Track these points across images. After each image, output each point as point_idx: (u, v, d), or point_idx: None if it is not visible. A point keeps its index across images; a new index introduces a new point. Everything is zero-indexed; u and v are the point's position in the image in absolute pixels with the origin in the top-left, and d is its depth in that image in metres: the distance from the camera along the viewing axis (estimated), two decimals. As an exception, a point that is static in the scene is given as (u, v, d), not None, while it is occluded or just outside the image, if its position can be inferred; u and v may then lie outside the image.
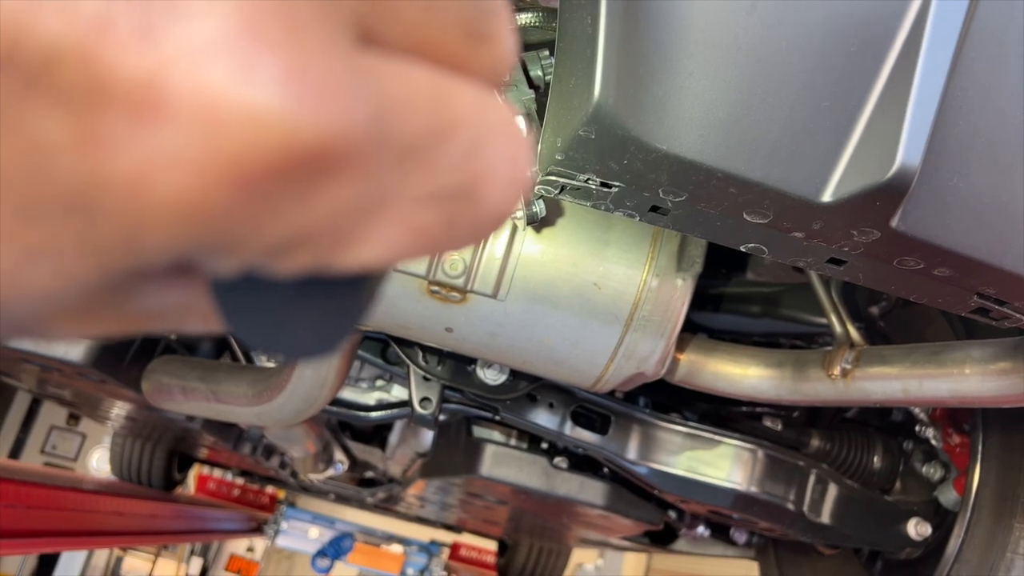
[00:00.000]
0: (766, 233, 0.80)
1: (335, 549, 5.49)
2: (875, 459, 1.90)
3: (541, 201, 1.00)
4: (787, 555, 2.27)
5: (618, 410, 1.70)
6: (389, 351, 1.69)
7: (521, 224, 1.04)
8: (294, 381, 1.53)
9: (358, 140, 0.18)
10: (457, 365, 1.59)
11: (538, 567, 4.76)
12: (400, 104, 0.20)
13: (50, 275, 0.18)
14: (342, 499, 4.26)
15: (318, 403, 1.59)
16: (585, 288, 1.21)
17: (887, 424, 1.98)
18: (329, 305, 0.22)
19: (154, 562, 7.27)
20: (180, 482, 4.78)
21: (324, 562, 5.45)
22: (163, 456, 4.25)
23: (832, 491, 1.75)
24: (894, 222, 0.74)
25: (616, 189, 0.78)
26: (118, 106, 0.16)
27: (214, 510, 4.92)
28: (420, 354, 1.58)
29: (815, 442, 1.91)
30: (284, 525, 5.48)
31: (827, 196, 0.73)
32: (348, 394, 1.96)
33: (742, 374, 1.40)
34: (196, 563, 7.55)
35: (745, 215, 0.78)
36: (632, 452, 1.69)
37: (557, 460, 1.94)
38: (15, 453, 7.96)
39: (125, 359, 1.90)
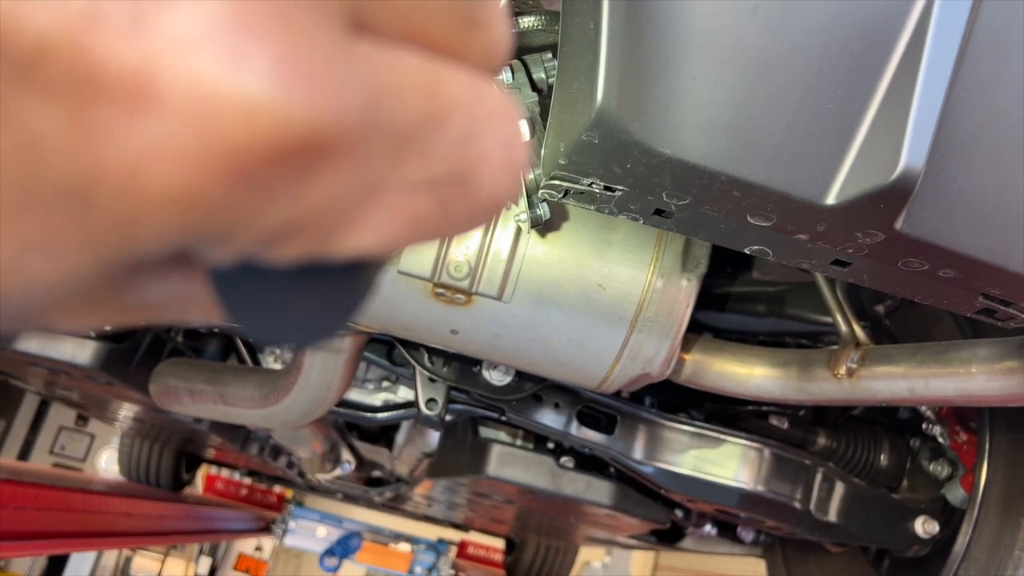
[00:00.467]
0: (770, 235, 0.80)
1: (343, 548, 5.51)
2: (882, 457, 1.90)
3: (545, 204, 1.00)
4: (794, 553, 2.27)
5: (624, 410, 1.70)
6: (395, 353, 1.70)
7: (525, 227, 1.04)
8: (300, 383, 1.54)
9: (350, 128, 0.18)
10: (463, 366, 1.59)
11: (545, 565, 4.77)
12: (393, 91, 0.20)
13: (47, 267, 0.18)
14: (350, 498, 4.28)
15: (324, 405, 1.59)
16: (590, 289, 1.22)
17: (894, 422, 1.97)
18: (326, 292, 0.23)
19: (163, 562, 7.30)
20: (188, 482, 4.80)
21: (332, 561, 5.47)
22: (171, 456, 4.27)
23: (839, 489, 1.74)
24: (898, 224, 0.74)
25: (620, 193, 0.78)
26: (110, 98, 0.16)
27: (222, 510, 4.94)
28: (426, 355, 1.59)
29: (821, 440, 1.91)
30: (292, 524, 5.51)
31: (831, 199, 0.73)
32: (355, 395, 1.96)
33: (748, 374, 1.40)
34: (205, 562, 7.58)
35: (749, 218, 0.78)
36: (638, 452, 1.69)
37: (563, 460, 1.94)
38: (24, 454, 8.00)
39: (132, 362, 1.91)
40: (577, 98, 0.73)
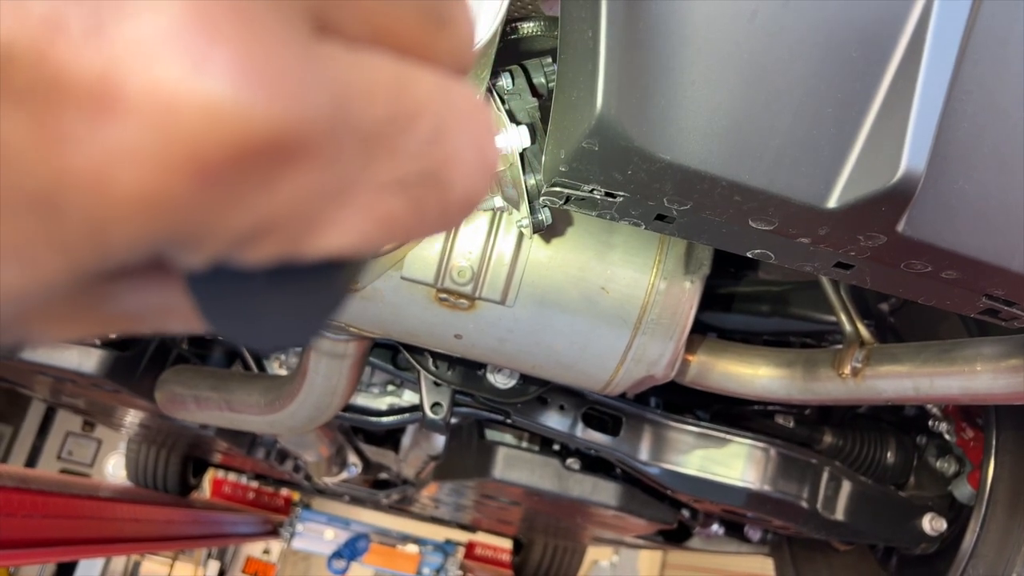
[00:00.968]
0: (772, 239, 0.80)
1: (351, 550, 5.51)
2: (888, 454, 1.89)
3: (547, 209, 1.01)
4: (802, 551, 2.27)
5: (629, 411, 1.70)
6: (399, 357, 1.70)
7: (528, 232, 1.04)
8: (305, 389, 1.54)
9: (315, 129, 0.18)
10: (467, 370, 1.59)
11: (553, 565, 4.76)
12: (359, 92, 0.20)
13: (19, 275, 0.18)
14: (357, 500, 4.28)
15: (330, 411, 1.59)
16: (593, 292, 1.22)
17: (900, 419, 1.97)
18: (303, 292, 0.23)
19: (171, 566, 7.32)
20: (195, 487, 4.81)
21: (340, 563, 5.47)
22: (178, 461, 4.28)
23: (846, 488, 1.74)
24: (900, 227, 0.74)
25: (621, 199, 0.79)
26: (75, 104, 0.16)
27: (230, 514, 4.95)
28: (430, 360, 1.59)
29: (828, 439, 1.90)
30: (299, 527, 5.51)
31: (832, 202, 0.73)
32: (360, 400, 1.96)
33: (752, 374, 1.40)
34: (213, 566, 7.59)
35: (750, 222, 0.78)
36: (644, 453, 1.69)
37: (569, 461, 1.94)
38: (32, 460, 8.02)
39: (138, 369, 1.92)
40: (577, 105, 0.73)
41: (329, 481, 3.34)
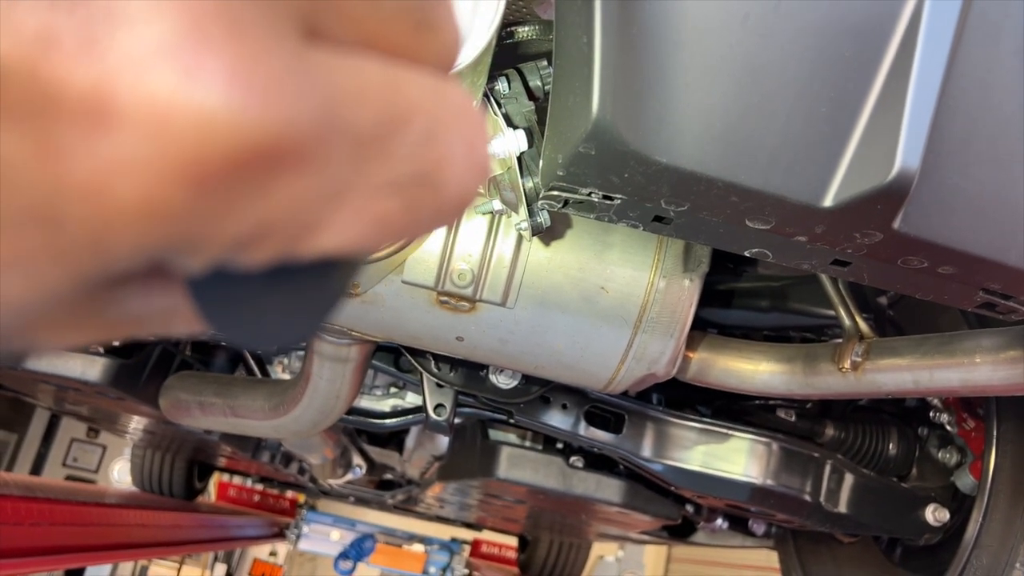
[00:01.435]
0: (769, 238, 0.81)
1: (357, 551, 5.52)
2: (890, 446, 1.90)
3: (545, 212, 1.01)
4: (806, 544, 2.27)
5: (631, 408, 1.71)
6: (402, 359, 1.71)
7: (527, 235, 1.05)
8: (309, 394, 1.55)
9: (308, 134, 0.19)
10: (469, 371, 1.60)
11: (559, 561, 4.78)
12: (351, 96, 0.20)
13: (22, 286, 0.18)
14: (362, 501, 4.29)
15: (334, 414, 1.60)
16: (592, 292, 1.22)
17: (901, 410, 1.97)
18: (301, 292, 0.23)
19: (179, 570, 7.33)
20: (201, 491, 4.82)
21: (347, 564, 5.48)
22: (183, 466, 4.29)
23: (848, 480, 1.75)
24: (896, 223, 0.75)
25: (619, 201, 0.79)
26: (71, 117, 0.17)
27: (236, 517, 4.96)
28: (432, 362, 1.59)
29: (830, 431, 1.91)
30: (305, 529, 5.52)
31: (828, 201, 0.74)
32: (364, 402, 1.97)
33: (753, 370, 1.40)
34: (220, 569, 7.61)
35: (747, 222, 0.78)
36: (647, 450, 1.70)
37: (573, 459, 1.95)
38: (37, 467, 8.03)
39: (142, 376, 1.93)
40: (573, 111, 0.74)
41: (334, 483, 3.35)
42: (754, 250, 0.84)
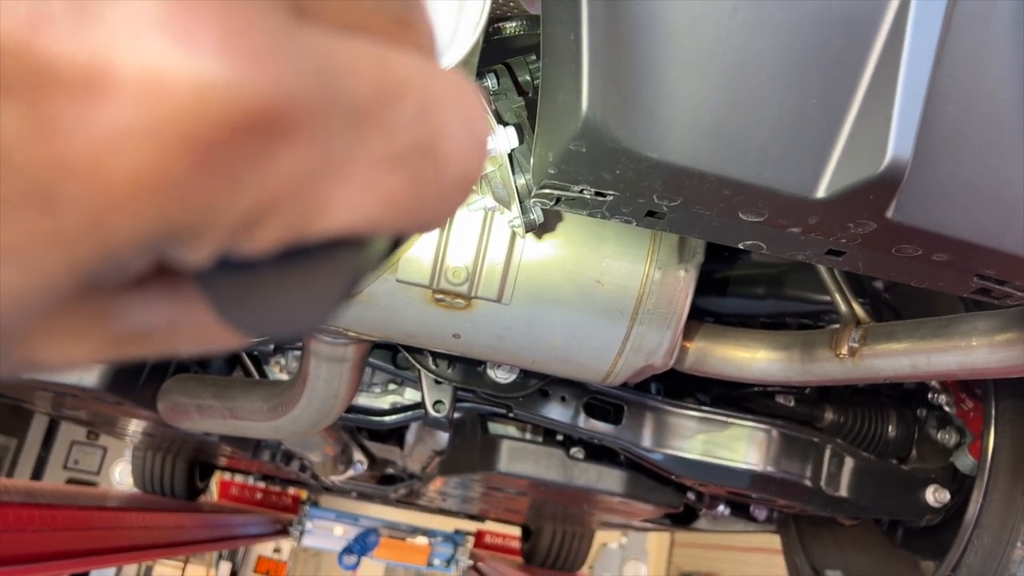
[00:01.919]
0: (763, 230, 0.80)
1: (361, 545, 5.53)
2: (890, 428, 1.90)
3: (538, 208, 1.01)
4: (808, 528, 2.28)
5: (630, 399, 1.71)
6: (399, 356, 1.70)
7: (520, 232, 1.04)
8: (307, 394, 1.54)
9: (304, 102, 0.19)
10: (467, 366, 1.60)
11: (563, 550, 4.79)
12: (344, 67, 0.20)
13: (19, 275, 0.18)
14: (364, 496, 4.30)
15: (333, 414, 1.60)
16: (588, 286, 1.22)
17: (899, 393, 1.98)
18: (314, 277, 0.23)
19: (183, 569, 7.35)
20: (203, 490, 4.82)
21: (351, 559, 5.50)
22: (184, 466, 4.29)
23: (848, 464, 1.75)
24: (889, 213, 0.74)
25: (611, 198, 0.79)
26: (66, 91, 0.16)
27: (239, 516, 4.97)
28: (430, 358, 1.59)
29: (829, 415, 1.91)
30: (309, 525, 5.53)
31: (821, 192, 0.73)
32: (363, 400, 1.97)
33: (751, 358, 1.40)
34: (225, 567, 7.62)
35: (741, 215, 0.78)
36: (647, 440, 1.70)
37: (574, 451, 1.95)
38: (38, 471, 8.03)
39: (139, 380, 1.92)
40: (562, 108, 0.73)
41: (336, 479, 3.35)
42: (748, 242, 0.84)
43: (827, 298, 1.50)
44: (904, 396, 1.97)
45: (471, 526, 6.03)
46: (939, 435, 1.86)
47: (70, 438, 8.18)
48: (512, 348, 1.29)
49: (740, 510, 2.36)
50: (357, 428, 2.84)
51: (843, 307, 1.34)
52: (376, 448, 3.05)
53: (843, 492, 1.74)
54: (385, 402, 1.97)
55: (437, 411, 1.61)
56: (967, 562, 1.63)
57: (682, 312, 1.25)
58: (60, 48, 0.16)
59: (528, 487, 2.17)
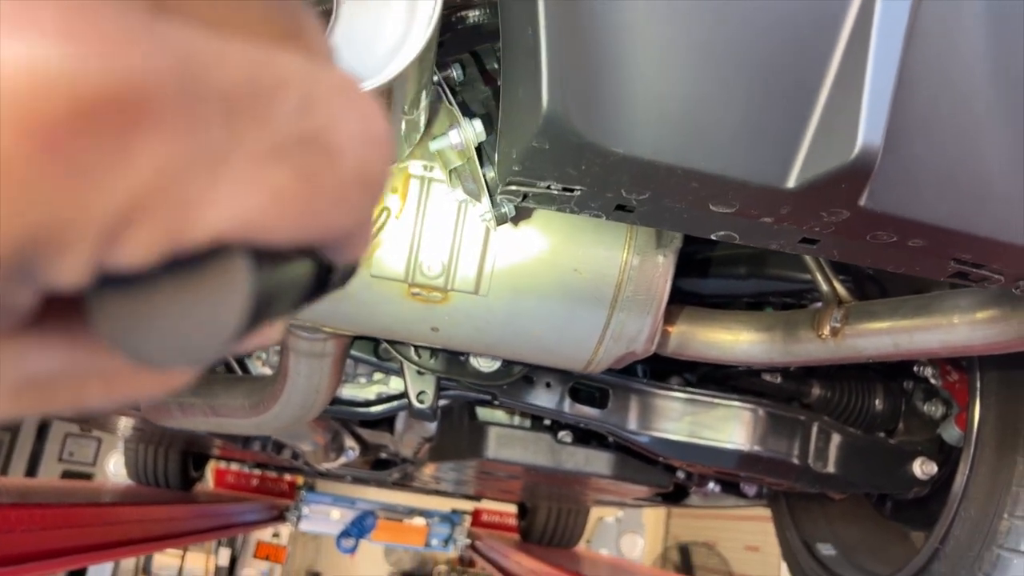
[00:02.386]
0: (734, 221, 0.79)
1: (358, 528, 5.55)
2: (876, 402, 1.90)
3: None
4: (798, 502, 2.29)
5: (615, 383, 1.70)
6: (381, 348, 1.69)
7: (491, 225, 1.02)
8: (288, 390, 1.53)
9: (159, 88, 0.18)
10: (450, 356, 1.58)
11: (559, 526, 4.82)
12: (210, 58, 0.19)
13: None
14: (360, 480, 4.31)
15: (315, 408, 1.59)
16: (566, 275, 1.20)
17: (885, 366, 1.98)
18: (209, 290, 0.20)
19: (183, 557, 7.38)
20: (198, 479, 4.82)
21: (349, 542, 5.52)
22: (177, 457, 4.29)
23: (835, 440, 1.75)
24: (862, 201, 0.73)
25: (579, 193, 0.77)
26: None
27: (235, 504, 4.97)
28: (412, 349, 1.58)
29: (815, 391, 1.91)
30: (306, 510, 5.54)
31: (791, 182, 0.72)
32: (347, 391, 1.95)
33: (733, 340, 1.39)
34: (225, 553, 7.67)
35: (711, 206, 0.76)
36: (633, 423, 1.70)
37: (562, 435, 1.95)
38: (32, 464, 8.02)
39: (121, 380, 1.90)
40: (523, 104, 0.71)
41: (328, 467, 3.34)
42: (720, 233, 0.82)
43: (809, 276, 1.49)
44: (890, 369, 1.97)
45: (468, 505, 6.06)
46: (925, 407, 1.86)
47: (63, 430, 8.17)
48: (492, 340, 1.27)
49: (730, 487, 2.36)
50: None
51: (824, 287, 1.33)
52: (367, 434, 3.04)
53: (831, 468, 1.74)
54: (371, 392, 1.96)
55: (421, 402, 1.60)
56: (955, 533, 1.63)
57: (662, 297, 1.24)
58: None
59: (518, 471, 2.17)
